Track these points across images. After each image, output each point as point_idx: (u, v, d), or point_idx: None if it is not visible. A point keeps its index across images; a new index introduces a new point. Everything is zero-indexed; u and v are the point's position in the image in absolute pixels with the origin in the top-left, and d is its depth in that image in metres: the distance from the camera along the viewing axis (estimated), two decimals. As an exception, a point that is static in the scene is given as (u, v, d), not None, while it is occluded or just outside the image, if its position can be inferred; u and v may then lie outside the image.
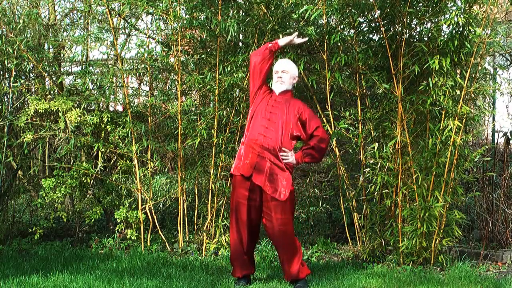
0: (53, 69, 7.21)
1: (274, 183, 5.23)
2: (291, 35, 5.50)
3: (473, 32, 5.99)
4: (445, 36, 6.06)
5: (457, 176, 6.23)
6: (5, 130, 6.73)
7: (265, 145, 5.24)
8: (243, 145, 5.35)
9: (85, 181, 6.79)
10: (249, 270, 5.44)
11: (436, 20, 6.11)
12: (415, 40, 6.26)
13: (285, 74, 5.40)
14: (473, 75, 6.26)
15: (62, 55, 7.74)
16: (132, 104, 7.11)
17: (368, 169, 6.38)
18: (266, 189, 5.22)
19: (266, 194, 5.24)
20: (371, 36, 6.59)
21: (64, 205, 7.35)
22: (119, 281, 5.28)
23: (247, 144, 5.30)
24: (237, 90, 6.72)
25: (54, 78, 7.21)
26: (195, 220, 6.90)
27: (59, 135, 6.81)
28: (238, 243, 5.36)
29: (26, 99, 6.98)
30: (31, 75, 7.20)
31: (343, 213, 6.64)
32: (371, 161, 6.34)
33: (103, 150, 6.83)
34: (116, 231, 6.89)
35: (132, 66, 7.04)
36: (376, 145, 6.30)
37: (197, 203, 6.89)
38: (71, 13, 7.86)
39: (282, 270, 5.41)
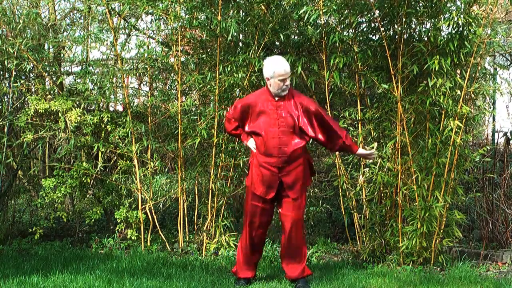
0: (53, 69, 7.20)
1: (298, 184, 5.30)
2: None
3: (473, 32, 5.99)
4: (445, 36, 6.06)
5: (457, 176, 6.22)
6: (5, 130, 6.73)
7: (284, 163, 5.24)
8: (260, 164, 5.32)
9: (85, 181, 6.79)
10: (252, 273, 5.50)
11: (436, 20, 6.11)
12: (414, 40, 6.26)
13: (288, 78, 5.28)
14: (473, 75, 6.26)
15: (62, 55, 7.74)
16: (132, 104, 7.11)
17: (367, 169, 6.38)
18: (296, 195, 5.28)
19: (283, 190, 5.30)
20: (370, 36, 6.58)
21: (64, 205, 7.35)
22: (119, 281, 5.29)
23: (263, 165, 5.29)
24: (237, 90, 6.71)
25: (54, 78, 7.21)
26: (195, 220, 6.90)
27: (59, 135, 6.81)
28: (250, 246, 5.42)
29: (26, 99, 6.98)
30: (31, 75, 7.20)
31: (343, 213, 6.64)
32: (371, 161, 6.33)
33: (103, 150, 6.83)
34: (116, 231, 6.89)
35: (132, 66, 7.04)
36: (376, 144, 6.30)
37: (197, 203, 6.89)
38: (71, 13, 7.86)
39: (286, 268, 5.44)
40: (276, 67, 5.20)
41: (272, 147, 5.22)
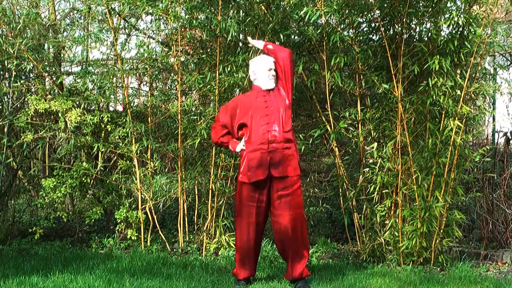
0: (53, 69, 7.20)
1: (285, 164, 5.26)
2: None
3: (473, 32, 5.99)
4: (445, 36, 6.06)
5: (457, 176, 6.22)
6: (5, 130, 6.73)
7: (271, 139, 5.24)
8: (249, 152, 5.32)
9: (85, 181, 6.79)
10: (252, 272, 5.49)
11: (436, 20, 6.11)
12: (414, 40, 6.26)
13: (273, 70, 5.41)
14: (473, 75, 6.26)
15: (62, 55, 7.74)
16: (132, 104, 7.10)
17: (367, 169, 6.38)
18: (281, 173, 5.24)
19: (276, 190, 5.26)
20: (370, 36, 6.58)
21: (64, 205, 7.35)
22: (119, 281, 5.29)
23: (254, 149, 5.29)
24: (237, 90, 6.71)
25: (54, 78, 7.21)
26: (195, 220, 6.90)
27: (59, 135, 6.81)
28: (246, 247, 5.40)
29: (26, 99, 6.98)
30: (31, 75, 7.20)
31: (343, 213, 6.64)
32: (371, 161, 6.34)
33: (103, 150, 6.83)
34: (116, 231, 6.89)
35: (132, 66, 7.04)
36: (375, 145, 6.30)
37: (197, 203, 6.89)
38: (71, 13, 7.86)
39: (289, 268, 5.42)
40: (262, 60, 5.48)
41: (261, 133, 5.26)
